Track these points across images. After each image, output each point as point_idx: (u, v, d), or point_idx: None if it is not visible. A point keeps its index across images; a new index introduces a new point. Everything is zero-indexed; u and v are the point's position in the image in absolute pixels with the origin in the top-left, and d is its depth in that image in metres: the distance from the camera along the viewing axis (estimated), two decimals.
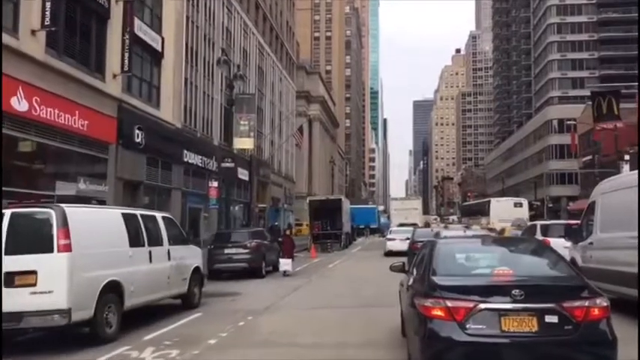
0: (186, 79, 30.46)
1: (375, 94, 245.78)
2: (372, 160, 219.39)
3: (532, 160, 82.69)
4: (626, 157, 37.64)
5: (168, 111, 27.93)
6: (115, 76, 22.25)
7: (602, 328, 5.11)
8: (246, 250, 17.54)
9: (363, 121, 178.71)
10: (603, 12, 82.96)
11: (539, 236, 16.60)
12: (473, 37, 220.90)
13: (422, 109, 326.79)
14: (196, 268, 11.49)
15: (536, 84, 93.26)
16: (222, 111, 34.97)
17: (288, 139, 52.98)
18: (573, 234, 12.99)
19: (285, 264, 18.04)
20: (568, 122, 49.53)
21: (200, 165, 31.06)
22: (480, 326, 5.06)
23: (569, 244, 13.18)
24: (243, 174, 40.84)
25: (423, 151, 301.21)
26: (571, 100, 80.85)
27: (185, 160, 29.34)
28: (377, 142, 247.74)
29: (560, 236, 15.03)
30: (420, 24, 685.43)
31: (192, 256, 11.40)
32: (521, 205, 40.67)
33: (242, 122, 23.34)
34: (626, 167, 37.54)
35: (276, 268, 19.57)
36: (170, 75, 28.17)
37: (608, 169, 45.41)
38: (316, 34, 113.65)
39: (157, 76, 26.86)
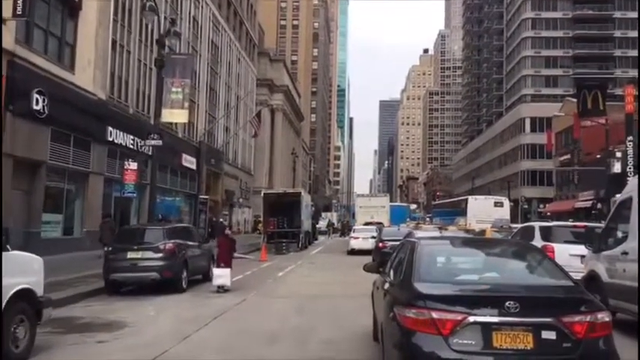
0: (114, 42, 25.17)
1: (342, 92, 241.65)
2: (338, 158, 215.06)
3: (502, 159, 79.64)
4: (618, 154, 33.92)
5: (88, 77, 22.66)
6: (4, 21, 16.91)
7: (603, 347, 4.59)
8: (159, 255, 12.52)
9: (329, 117, 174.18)
10: (579, 8, 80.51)
11: (538, 241, 12.81)
12: (442, 37, 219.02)
13: (388, 110, 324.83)
14: (21, 293, 6.49)
15: (508, 81, 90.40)
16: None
17: (246, 125, 47.82)
18: (596, 240, 10.22)
19: (219, 276, 12.96)
20: (547, 118, 45.88)
21: (131, 147, 25.81)
22: (469, 341, 4.48)
23: (586, 252, 10.58)
24: (189, 161, 35.75)
25: (388, 150, 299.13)
26: (544, 98, 78.09)
27: (109, 139, 24.11)
28: (343, 141, 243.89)
29: (567, 241, 12.41)
30: (388, 27, 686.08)
31: (11, 273, 6.38)
32: (501, 204, 36.63)
33: (174, 89, 18.27)
34: (617, 165, 34.05)
35: (207, 278, 14.60)
36: (91, 33, 22.87)
37: (592, 167, 42.17)
38: (282, 22, 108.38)
39: (71, 32, 21.56)
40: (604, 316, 4.68)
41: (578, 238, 12.48)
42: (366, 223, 37.43)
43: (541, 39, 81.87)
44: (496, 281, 5.22)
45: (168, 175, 32.28)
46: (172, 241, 12.98)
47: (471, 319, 4.50)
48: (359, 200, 48.51)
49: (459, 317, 4.50)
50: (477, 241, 8.72)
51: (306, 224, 34.23)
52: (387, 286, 5.95)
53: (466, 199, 38.89)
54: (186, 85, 18.74)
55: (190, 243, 14.18)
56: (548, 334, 4.52)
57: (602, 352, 4.60)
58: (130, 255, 12.47)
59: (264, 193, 32.95)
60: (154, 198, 18.42)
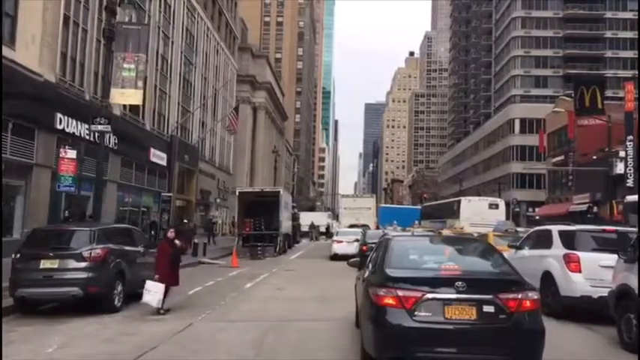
0: (67, 17, 22.18)
1: (327, 94, 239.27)
2: (322, 160, 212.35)
3: (490, 162, 77.40)
4: (622, 153, 31.61)
5: (33, 55, 19.69)
6: None
7: (532, 318, 5.67)
8: (83, 264, 9.68)
9: (314, 119, 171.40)
10: (570, 7, 78.71)
11: (559, 249, 10.55)
12: (428, 39, 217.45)
13: (373, 112, 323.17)
14: None
15: (497, 82, 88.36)
16: None
17: (224, 120, 44.85)
18: (630, 247, 8.44)
19: (148, 291, 9.97)
20: (537, 119, 43.66)
21: (87, 137, 22.70)
22: (427, 314, 5.54)
23: (615, 262, 8.78)
24: (159, 157, 32.76)
25: (373, 153, 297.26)
26: (533, 99, 76.14)
27: (59, 127, 21.11)
28: (327, 143, 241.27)
29: (595, 249, 10.17)
30: (374, 29, 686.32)
31: None
32: (497, 206, 34.12)
33: (126, 65, 15.40)
34: (620, 165, 31.81)
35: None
36: (38, 5, 19.93)
37: (590, 167, 39.91)
38: (266, 19, 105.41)
39: (12, 1, 18.55)
40: (533, 295, 5.76)
41: (608, 245, 10.03)
42: (351, 226, 34.87)
43: (531, 38, 79.90)
44: (451, 267, 6.24)
45: (134, 171, 29.29)
46: (102, 245, 10.12)
47: (429, 295, 5.57)
48: (343, 201, 45.97)
49: (419, 294, 5.57)
50: (440, 238, 9.84)
51: (286, 226, 31.44)
52: (366, 275, 6.96)
53: (459, 201, 36.26)
54: (141, 61, 15.85)
55: (130, 248, 11.32)
56: (488, 308, 5.58)
57: (530, 322, 5.62)
58: (44, 264, 9.59)
59: (239, 192, 30.07)
60: (100, 194, 15.53)
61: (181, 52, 37.04)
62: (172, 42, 35.17)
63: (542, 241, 11.49)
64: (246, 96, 64.40)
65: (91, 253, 9.78)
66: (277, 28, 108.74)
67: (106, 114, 15.62)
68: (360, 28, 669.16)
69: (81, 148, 16.08)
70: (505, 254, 13.52)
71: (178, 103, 36.81)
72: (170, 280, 10.18)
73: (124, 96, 15.70)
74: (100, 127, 15.38)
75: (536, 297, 5.74)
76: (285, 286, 14.63)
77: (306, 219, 53.02)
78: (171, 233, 10.69)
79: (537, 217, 56.41)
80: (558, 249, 10.49)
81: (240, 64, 61.92)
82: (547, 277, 10.45)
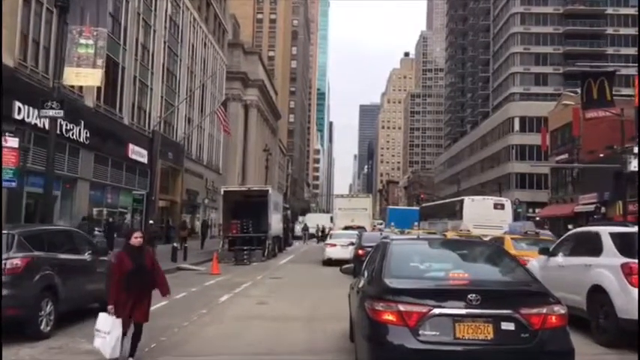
0: None
1: (322, 96, 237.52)
2: (317, 161, 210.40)
3: (489, 161, 75.35)
4: (636, 149, 29.54)
5: None
6: None
7: (559, 337, 4.86)
8: None
9: (308, 120, 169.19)
10: (570, 3, 76.96)
11: (612, 256, 8.31)
12: (424, 39, 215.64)
13: (368, 114, 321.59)
14: None
15: (495, 80, 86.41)
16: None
17: (212, 115, 42.51)
18: None
19: (97, 332, 6.43)
20: (537, 117, 41.64)
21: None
22: (434, 332, 4.76)
23: None
24: (139, 153, 30.43)
25: (368, 155, 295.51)
26: (532, 97, 74.17)
27: (18, 117, 18.72)
28: (322, 145, 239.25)
29: None
30: (369, 30, 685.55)
31: None
32: (502, 206, 31.90)
33: (83, 40, 13.17)
34: (634, 162, 29.67)
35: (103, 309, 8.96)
36: None
37: (598, 165, 37.86)
38: (259, 16, 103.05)
39: None
40: (559, 309, 4.91)
41: None
42: (346, 227, 32.65)
43: (530, 35, 78.01)
44: (460, 276, 5.44)
45: (110, 169, 26.96)
46: (24, 254, 7.82)
47: (436, 311, 4.74)
48: (338, 201, 43.71)
49: (425, 309, 4.74)
50: (445, 241, 8.82)
51: (275, 228, 29.15)
52: (361, 284, 6.21)
53: (461, 201, 34.00)
54: (101, 36, 13.57)
55: (67, 256, 9.00)
56: (507, 325, 4.74)
57: (557, 342, 4.78)
58: None
59: (224, 191, 27.77)
60: (50, 191, 13.21)
61: (164, 43, 34.72)
62: (154, 31, 32.85)
63: (586, 245, 9.17)
64: (237, 93, 62.17)
65: (5, 265, 7.49)
66: (270, 26, 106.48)
67: (59, 97, 13.29)
68: (354, 29, 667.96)
69: (24, 136, 13.76)
70: (533, 261, 11.42)
71: (161, 97, 34.48)
72: (133, 311, 6.57)
73: (80, 76, 13.43)
74: (50, 113, 13.09)
75: (563, 311, 4.92)
76: (268, 299, 12.33)
77: (313, 220, 54.27)
78: (136, 239, 6.79)
79: (538, 218, 54.33)
80: (612, 257, 8.19)
81: (230, 60, 59.71)
82: (597, 294, 8.20)
